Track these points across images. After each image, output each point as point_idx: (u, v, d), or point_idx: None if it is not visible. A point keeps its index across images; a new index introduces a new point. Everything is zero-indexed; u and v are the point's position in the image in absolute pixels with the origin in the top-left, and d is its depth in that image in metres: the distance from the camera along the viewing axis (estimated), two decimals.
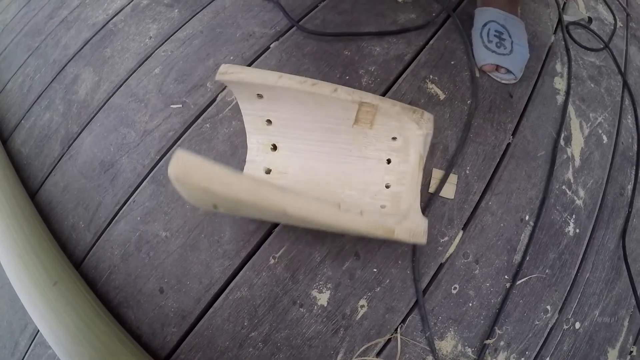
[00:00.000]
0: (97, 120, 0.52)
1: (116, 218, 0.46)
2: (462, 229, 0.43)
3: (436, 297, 0.41)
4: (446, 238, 0.42)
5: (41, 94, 0.55)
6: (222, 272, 0.41)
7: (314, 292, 0.40)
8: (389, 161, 0.41)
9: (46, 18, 0.60)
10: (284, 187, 0.33)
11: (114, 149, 0.50)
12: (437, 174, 0.43)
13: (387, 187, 0.41)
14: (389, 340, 0.40)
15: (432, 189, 0.43)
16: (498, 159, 0.46)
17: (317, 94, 0.38)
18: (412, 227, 0.35)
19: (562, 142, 0.51)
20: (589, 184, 0.51)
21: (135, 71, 0.53)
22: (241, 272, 0.41)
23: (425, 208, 0.42)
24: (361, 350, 0.38)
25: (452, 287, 0.41)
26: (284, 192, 0.30)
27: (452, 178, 0.44)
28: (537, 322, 0.45)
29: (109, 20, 0.57)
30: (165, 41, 0.55)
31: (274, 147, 0.43)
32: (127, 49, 0.55)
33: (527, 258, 0.44)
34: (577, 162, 0.51)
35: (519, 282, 0.43)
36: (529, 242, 0.44)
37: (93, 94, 0.53)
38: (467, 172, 0.45)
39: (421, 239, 0.35)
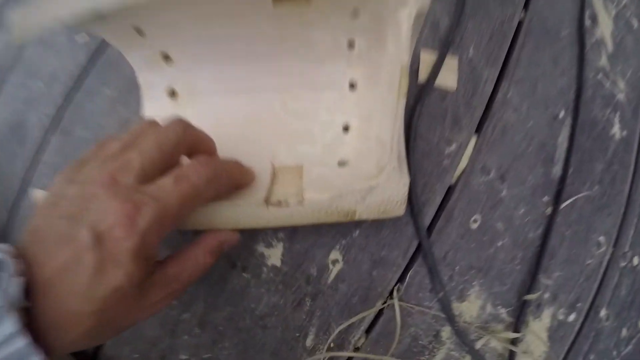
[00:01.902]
0: (9, 81, 0.37)
1: (28, 186, 0.31)
2: (476, 132, 0.29)
3: (448, 236, 0.27)
4: (453, 146, 0.28)
5: None
6: None
7: (261, 247, 0.25)
8: (351, 44, 0.26)
9: None
10: None
11: (23, 106, 0.36)
12: (427, 57, 0.29)
13: (352, 86, 0.26)
14: (381, 310, 0.25)
15: (422, 78, 0.29)
16: (510, 38, 0.32)
17: None
18: (383, 199, 0.22)
19: (587, 21, 0.38)
20: (628, 74, 0.38)
21: None
22: None
23: (415, 104, 0.28)
24: (339, 329, 0.24)
25: (471, 220, 0.27)
26: None
27: (451, 62, 0.29)
28: (589, 261, 0.31)
29: None
30: None
31: (166, 57, 0.27)
32: None
33: (571, 170, 0.30)
34: (610, 47, 0.38)
35: (564, 205, 0.30)
36: (569, 147, 0.31)
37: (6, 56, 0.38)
38: (471, 54, 0.30)
39: (396, 211, 0.22)
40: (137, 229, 0.17)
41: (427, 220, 0.26)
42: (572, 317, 0.31)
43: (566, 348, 0.31)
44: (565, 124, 0.32)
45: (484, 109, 0.29)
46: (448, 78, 0.29)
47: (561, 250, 0.30)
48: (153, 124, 0.22)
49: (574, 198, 0.30)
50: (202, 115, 0.27)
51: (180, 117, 0.22)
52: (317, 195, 0.22)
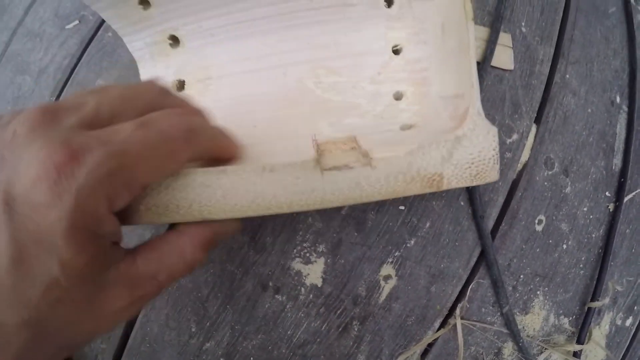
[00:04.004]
0: None
1: None
2: (536, 121, 0.25)
3: (513, 241, 0.23)
4: (515, 136, 0.24)
5: None
6: None
7: (297, 264, 0.21)
8: (389, 3, 0.21)
9: None
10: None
11: (11, 106, 0.31)
12: (479, 32, 0.25)
13: (396, 52, 0.22)
14: (440, 327, 0.22)
15: (477, 57, 0.25)
16: (561, 12, 0.29)
17: None
18: (473, 155, 0.17)
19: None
20: None
21: (31, 6, 0.32)
22: None
23: None
24: None
25: (536, 220, 0.24)
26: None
27: (504, 38, 0.25)
28: None
29: None
30: None
31: (174, 40, 0.22)
32: None
33: (630, 162, 0.28)
34: None
35: (626, 199, 0.27)
36: (627, 136, 0.28)
37: None
38: (523, 29, 0.27)
39: (491, 174, 0.17)
40: (70, 186, 0.11)
41: (490, 224, 0.22)
42: (629, 322, 0.28)
43: (621, 354, 0.29)
44: (622, 110, 0.29)
45: (542, 93, 0.25)
46: (504, 57, 0.25)
47: (622, 251, 0.27)
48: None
49: (634, 193, 0.27)
50: (216, 104, 0.22)
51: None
52: (389, 153, 0.16)
